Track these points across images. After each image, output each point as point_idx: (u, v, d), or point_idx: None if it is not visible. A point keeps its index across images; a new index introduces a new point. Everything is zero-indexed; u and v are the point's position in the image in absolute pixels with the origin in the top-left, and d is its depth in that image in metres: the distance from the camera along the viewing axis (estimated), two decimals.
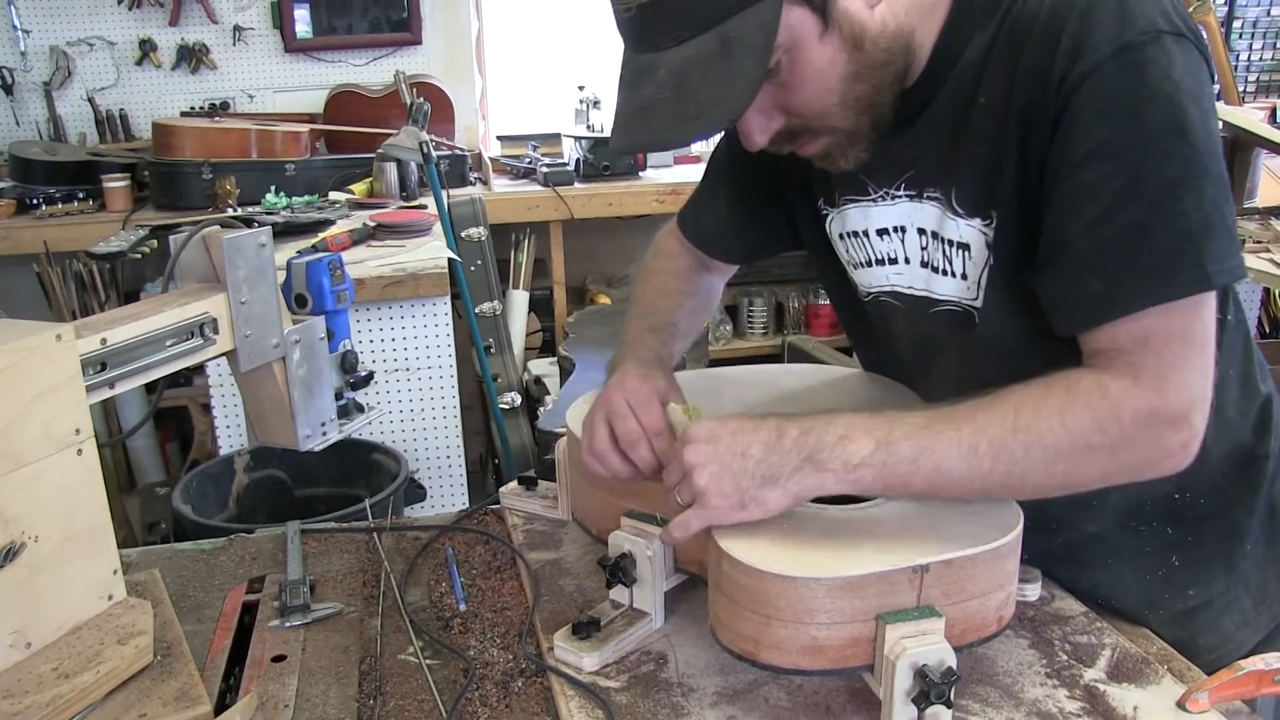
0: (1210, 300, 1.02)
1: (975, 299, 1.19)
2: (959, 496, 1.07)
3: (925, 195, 1.20)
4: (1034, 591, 1.25)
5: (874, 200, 1.25)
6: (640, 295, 1.53)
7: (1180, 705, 1.04)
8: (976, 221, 1.14)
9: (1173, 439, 1.03)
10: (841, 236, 1.32)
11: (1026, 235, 1.10)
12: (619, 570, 1.18)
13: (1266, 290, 4.27)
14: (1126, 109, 1.00)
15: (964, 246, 1.17)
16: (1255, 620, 1.27)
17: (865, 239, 1.29)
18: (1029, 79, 1.04)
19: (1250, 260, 2.99)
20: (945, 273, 1.21)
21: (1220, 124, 1.04)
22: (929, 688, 0.96)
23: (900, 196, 1.22)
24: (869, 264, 1.31)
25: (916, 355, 1.36)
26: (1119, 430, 1.02)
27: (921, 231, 1.22)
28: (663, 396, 1.28)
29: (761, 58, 1.01)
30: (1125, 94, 0.99)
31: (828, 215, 1.33)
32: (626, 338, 1.44)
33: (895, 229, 1.25)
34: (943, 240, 1.19)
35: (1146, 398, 1.01)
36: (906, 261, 1.26)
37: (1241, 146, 3.49)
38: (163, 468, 4.14)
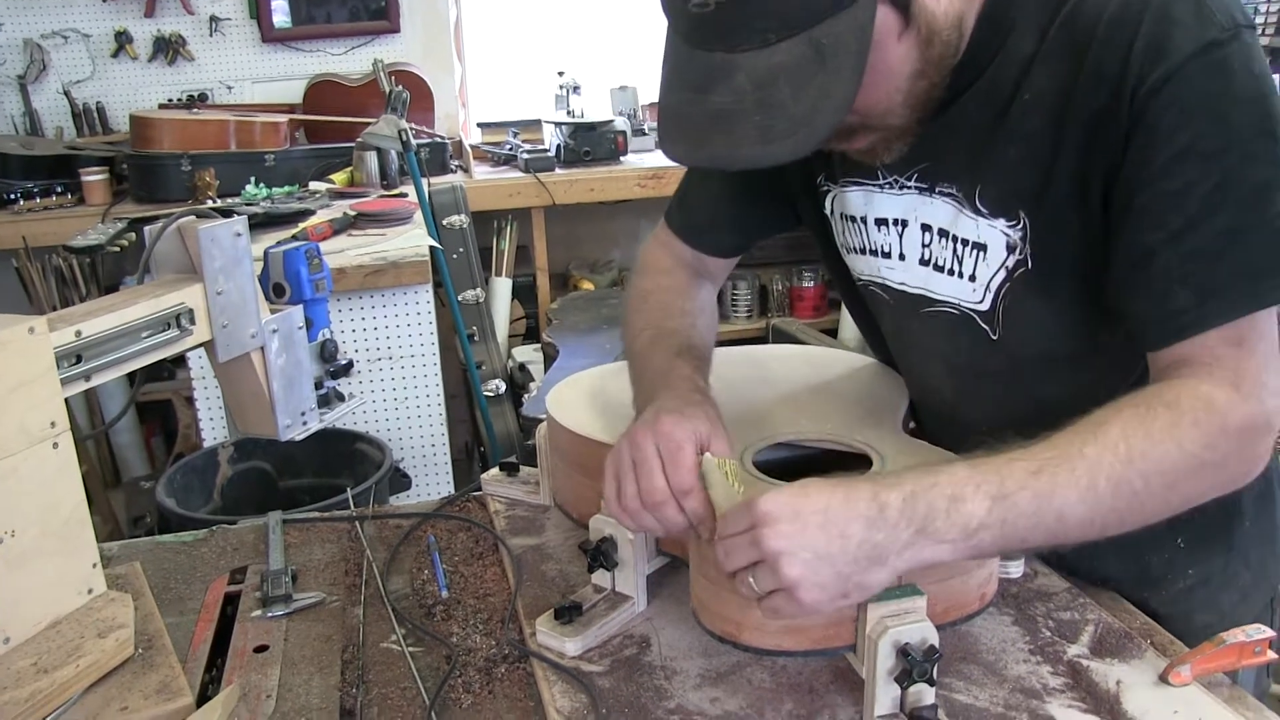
0: None
1: (980, 301, 1.16)
2: (1074, 543, 0.98)
3: (938, 190, 1.15)
4: (1017, 569, 1.25)
5: (880, 186, 1.21)
6: (647, 319, 1.37)
7: (1163, 679, 1.05)
8: (1000, 222, 1.10)
9: (1263, 446, 1.00)
10: (842, 217, 1.28)
11: (1073, 243, 1.06)
12: (600, 554, 1.18)
13: None
14: (1212, 111, 0.95)
15: (980, 247, 1.13)
16: (1253, 595, 1.27)
17: (862, 225, 1.25)
18: (1095, 82, 0.99)
19: None
20: (951, 272, 1.17)
21: None
22: (911, 666, 0.96)
23: (910, 187, 1.18)
24: (862, 251, 1.28)
25: (899, 347, 1.36)
26: (1226, 443, 0.97)
27: (926, 228, 1.18)
28: (701, 442, 1.10)
29: (858, 65, 0.93)
30: (1210, 95, 0.95)
31: (827, 191, 1.29)
32: (652, 365, 1.28)
33: (895, 221, 1.21)
34: (954, 239, 1.15)
35: (1249, 407, 0.97)
36: (902, 258, 1.23)
37: None
38: (147, 462, 4.13)
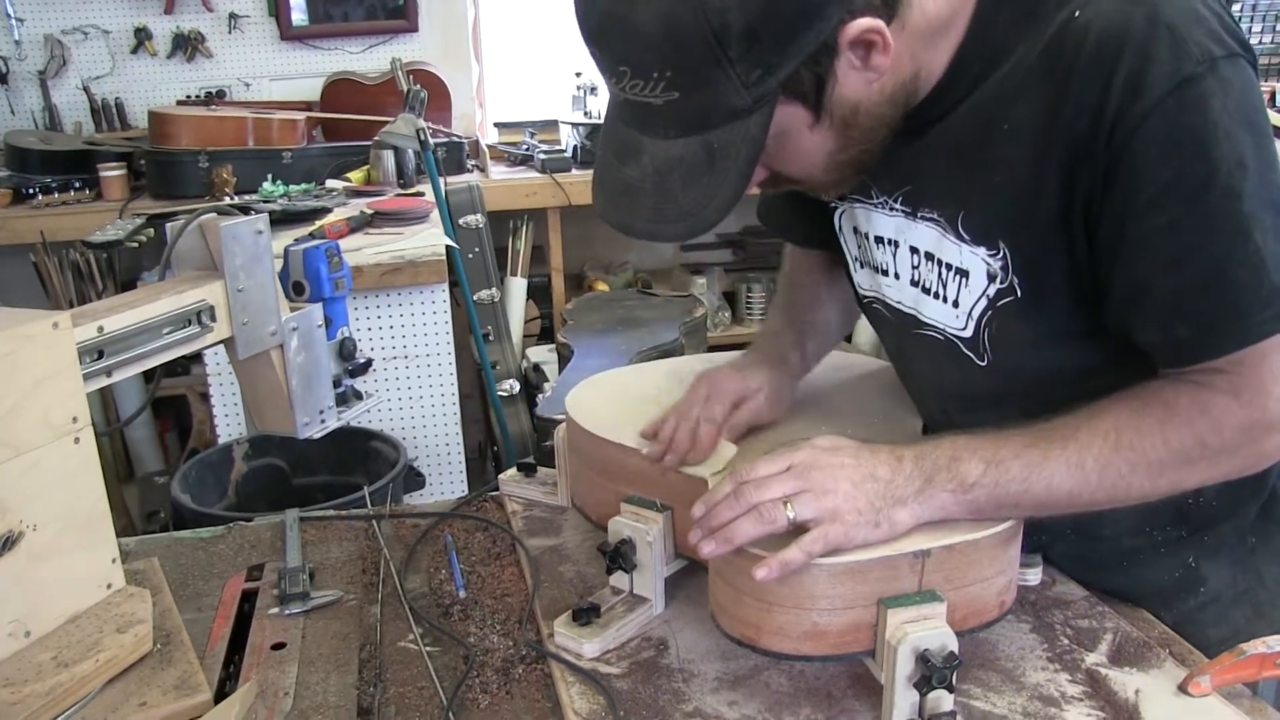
0: None
1: (963, 328, 1.17)
2: (1066, 512, 1.07)
3: (920, 215, 1.17)
4: (1035, 576, 1.25)
5: (874, 205, 1.22)
6: (780, 294, 1.54)
7: (1182, 689, 1.04)
8: (981, 250, 1.11)
9: (1271, 443, 1.04)
10: (854, 231, 1.29)
11: (1059, 273, 1.08)
12: (619, 556, 1.18)
13: None
14: (1191, 147, 0.97)
15: (963, 273, 1.14)
16: (1270, 611, 1.26)
17: (866, 241, 1.27)
18: (1076, 115, 1.00)
19: None
20: (937, 296, 1.19)
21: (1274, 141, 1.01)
22: (931, 672, 0.96)
23: (897, 209, 1.19)
24: (864, 266, 1.30)
25: (900, 366, 1.37)
26: (1220, 442, 1.03)
27: (914, 250, 1.20)
28: (739, 396, 1.31)
29: (744, 171, 1.01)
30: (1188, 132, 0.97)
31: (836, 208, 1.31)
32: (768, 325, 1.50)
33: (890, 241, 1.23)
34: (939, 263, 1.17)
35: (1248, 413, 1.02)
36: (897, 277, 1.24)
37: None
38: (161, 457, 4.14)
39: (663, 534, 1.18)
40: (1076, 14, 1.01)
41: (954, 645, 0.98)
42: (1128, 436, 1.03)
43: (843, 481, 1.04)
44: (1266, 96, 4.14)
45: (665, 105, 0.98)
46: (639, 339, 3.54)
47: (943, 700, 0.98)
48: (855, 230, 1.28)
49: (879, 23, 0.98)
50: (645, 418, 1.30)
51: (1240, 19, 5.18)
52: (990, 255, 1.11)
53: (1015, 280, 1.10)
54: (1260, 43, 5.24)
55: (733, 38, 0.93)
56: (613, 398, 1.43)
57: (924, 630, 0.98)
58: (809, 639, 1.02)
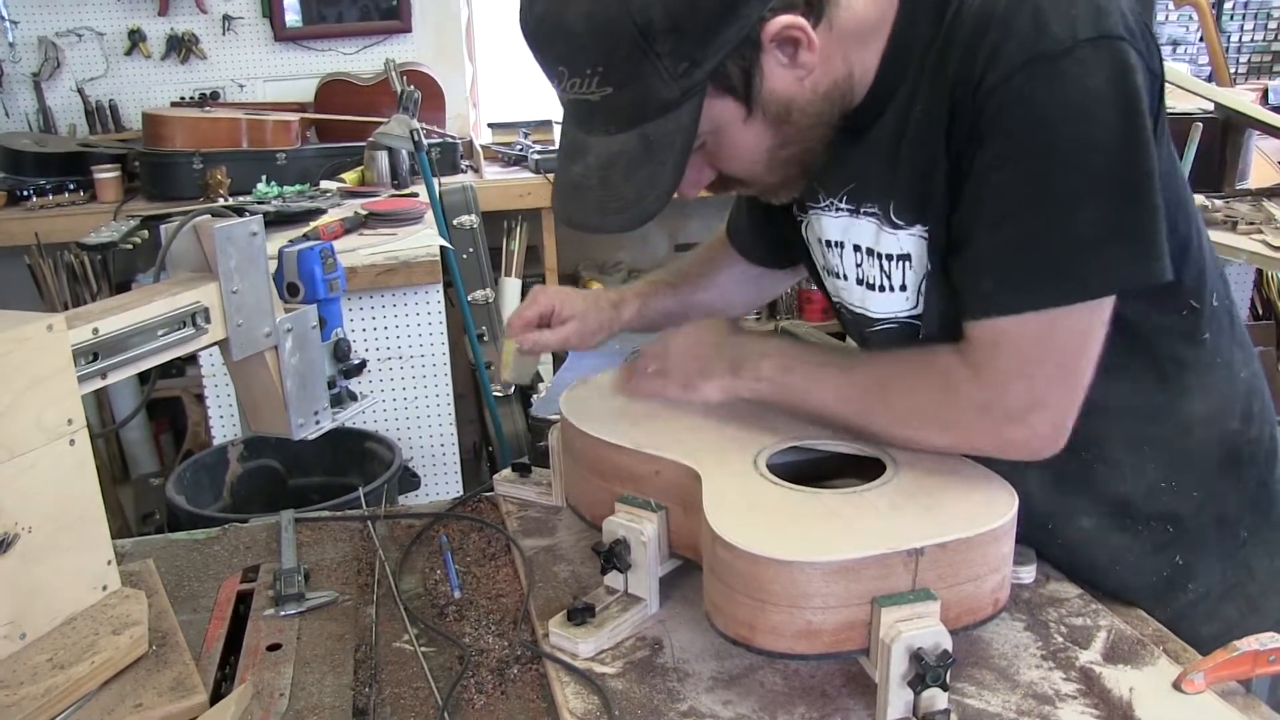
0: (1091, 310, 1.04)
1: (914, 307, 1.20)
2: (833, 426, 1.21)
3: (862, 210, 1.21)
4: (1029, 574, 1.25)
5: (822, 209, 1.27)
6: (675, 267, 1.66)
7: (1176, 686, 1.05)
8: (916, 229, 1.15)
9: (1012, 433, 1.09)
10: (818, 241, 1.33)
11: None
12: (613, 556, 1.18)
13: (1259, 272, 4.27)
14: (1032, 120, 1.01)
15: (904, 258, 1.18)
16: (1264, 604, 1.27)
17: (821, 247, 1.31)
18: (957, 86, 1.06)
19: (1242, 242, 2.99)
20: (882, 289, 1.22)
21: (1151, 129, 1.04)
22: (924, 671, 0.96)
23: (843, 209, 1.24)
24: (828, 273, 1.34)
25: None
26: (954, 414, 1.11)
27: (857, 248, 1.24)
28: (555, 310, 1.51)
29: (679, 160, 1.07)
30: (1031, 106, 1.01)
31: (801, 220, 1.35)
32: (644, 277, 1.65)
33: (837, 243, 1.27)
34: (879, 256, 1.21)
35: (982, 393, 1.08)
36: (846, 278, 1.28)
37: (1233, 128, 3.48)
38: (156, 458, 4.14)
39: (657, 533, 1.18)
40: None
41: (948, 643, 0.98)
42: (880, 382, 1.16)
43: (678, 349, 1.31)
44: (1258, 95, 4.15)
45: (601, 101, 1.05)
46: (633, 339, 3.54)
47: (937, 699, 0.99)
48: (818, 240, 1.32)
49: (800, 20, 1.04)
50: (639, 418, 1.30)
51: (1231, 16, 5.19)
52: (925, 232, 1.15)
53: (933, 254, 1.15)
54: (1251, 40, 5.25)
55: (657, 33, 0.99)
56: (607, 398, 1.43)
57: (918, 628, 0.98)
58: (803, 638, 1.02)
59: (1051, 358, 1.06)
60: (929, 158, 1.10)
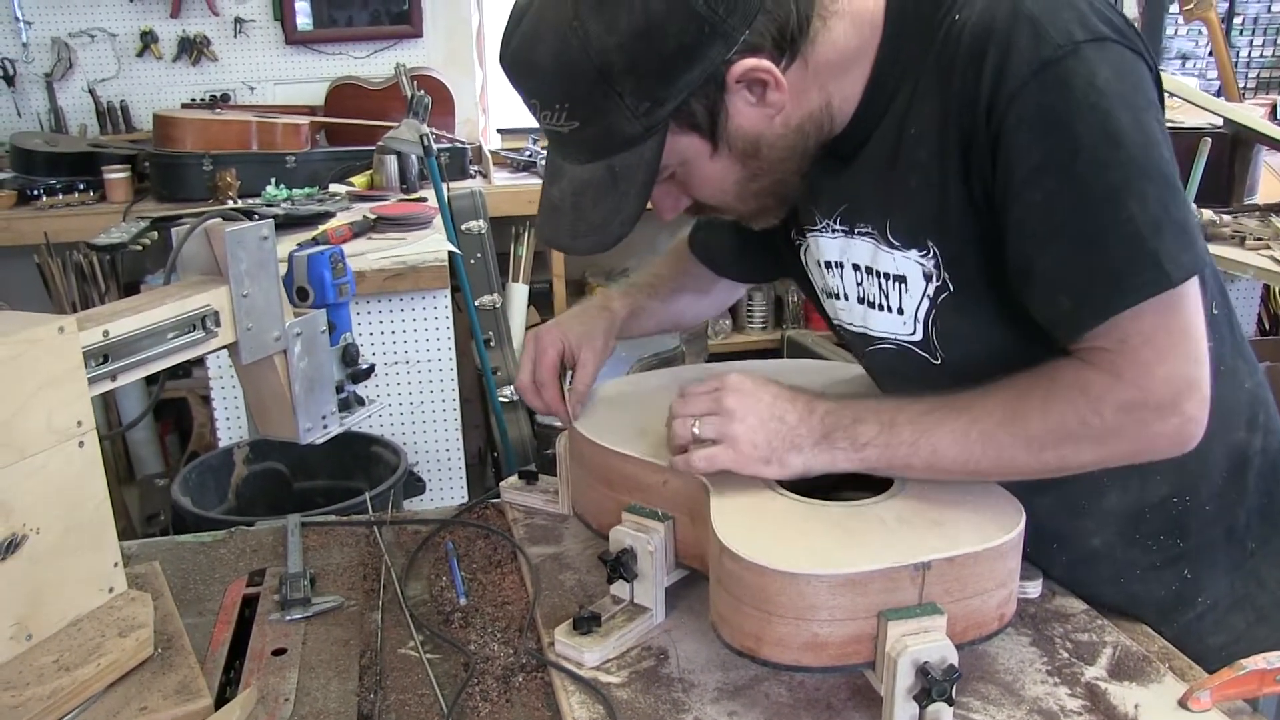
0: (1184, 293, 1.03)
1: (912, 333, 1.20)
2: (954, 478, 1.12)
3: (857, 231, 1.21)
4: (1035, 589, 1.25)
5: (820, 230, 1.27)
6: (644, 277, 1.64)
7: (1182, 704, 1.05)
8: (913, 253, 1.15)
9: (1163, 426, 1.05)
10: (817, 264, 1.32)
11: (981, 261, 1.11)
12: (620, 565, 1.18)
13: (1266, 287, 4.26)
14: (1056, 125, 1.01)
15: (900, 279, 1.18)
16: (1273, 615, 1.26)
17: (820, 269, 1.31)
18: (961, 109, 1.06)
19: (1250, 257, 2.99)
20: (882, 308, 1.22)
21: (1161, 122, 1.05)
22: (930, 685, 0.96)
23: (838, 230, 1.24)
24: (826, 295, 1.34)
25: (870, 376, 1.41)
26: (1101, 423, 1.04)
27: (856, 267, 1.24)
28: (571, 346, 1.44)
29: (642, 192, 1.10)
30: (1052, 111, 1.01)
31: (800, 244, 1.35)
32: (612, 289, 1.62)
33: (835, 263, 1.27)
34: (878, 274, 1.21)
35: (1129, 392, 1.04)
36: (846, 297, 1.28)
37: (1242, 143, 3.48)
38: (161, 459, 4.14)
39: (664, 543, 1.18)
40: (956, 17, 1.07)
41: (954, 658, 0.98)
42: (1011, 412, 1.07)
43: (751, 415, 1.13)
44: (1267, 110, 4.15)
45: (570, 134, 1.09)
46: (639, 347, 3.55)
47: (942, 713, 0.99)
48: (818, 263, 1.32)
49: (765, 63, 1.05)
50: (646, 426, 1.30)
51: (1240, 31, 5.19)
52: (922, 256, 1.15)
53: (946, 276, 1.14)
54: (1261, 55, 5.25)
55: (617, 74, 1.03)
56: (614, 406, 1.43)
57: (924, 643, 0.98)
58: (809, 650, 1.02)
59: (1176, 340, 1.04)
60: (927, 182, 1.11)
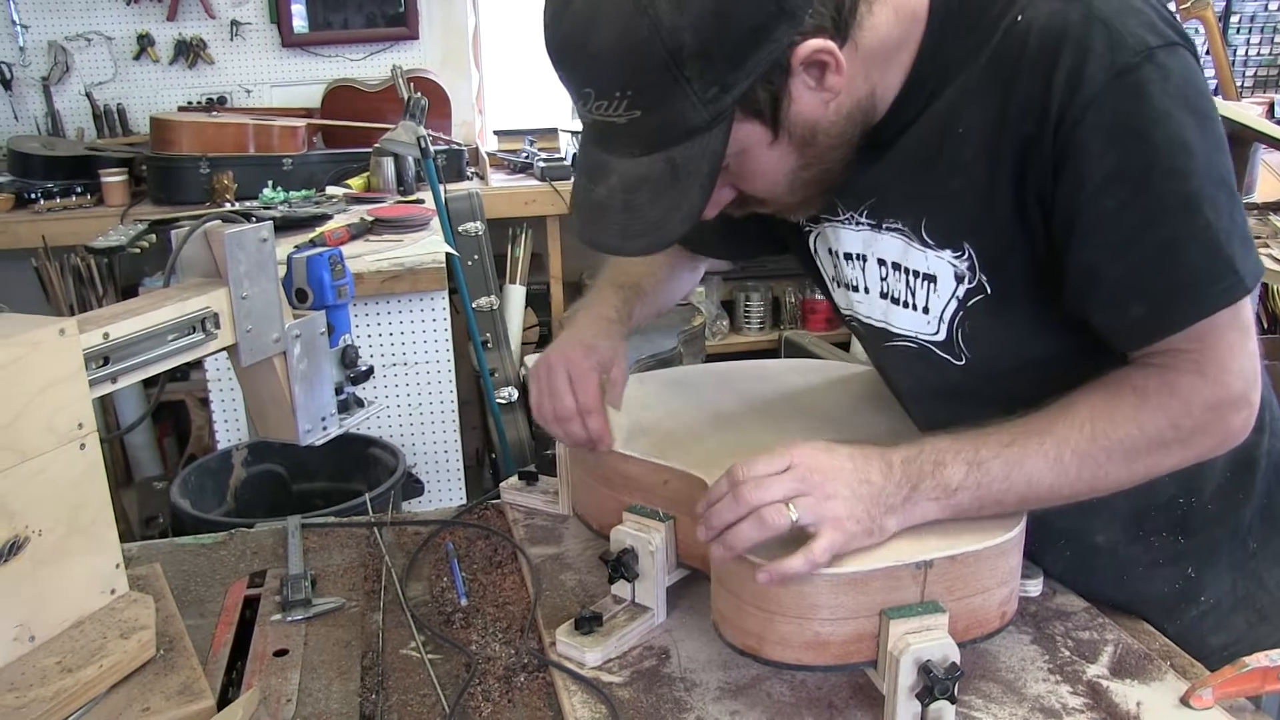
0: (1248, 296, 1.04)
1: (935, 333, 1.19)
2: (1043, 506, 1.09)
3: (885, 226, 1.19)
4: (1036, 587, 1.25)
5: (842, 221, 1.25)
6: (614, 260, 1.54)
7: (1184, 702, 1.05)
8: (947, 253, 1.14)
9: (1238, 419, 1.07)
10: (829, 252, 1.31)
11: (1024, 266, 1.10)
12: (621, 565, 1.18)
13: (1265, 286, 4.27)
14: (1133, 133, 0.99)
15: (930, 278, 1.16)
16: (1274, 615, 1.26)
17: (837, 259, 1.29)
18: (1023, 114, 1.03)
19: None
20: (907, 305, 1.21)
21: (1222, 127, 1.04)
22: (932, 683, 0.96)
23: (863, 224, 1.22)
24: (839, 285, 1.32)
25: (881, 372, 1.40)
26: (1191, 423, 1.05)
27: (881, 262, 1.22)
28: (604, 365, 1.36)
29: (706, 185, 1.04)
30: (1129, 118, 0.99)
31: (810, 231, 1.33)
32: (591, 292, 1.51)
33: (858, 256, 1.25)
34: (906, 271, 1.19)
35: (1214, 390, 1.04)
36: (866, 291, 1.26)
37: (1239, 142, 3.48)
38: (160, 462, 4.13)
39: (665, 543, 1.18)
40: (1019, 18, 1.04)
41: (956, 656, 0.98)
42: (1102, 425, 1.06)
43: (842, 486, 1.04)
44: (1265, 108, 4.15)
45: (629, 124, 1.01)
46: (637, 347, 3.55)
47: (944, 711, 0.99)
48: (829, 251, 1.30)
49: (830, 44, 1.01)
50: (646, 426, 1.30)
51: (1238, 29, 5.20)
52: (956, 257, 1.13)
53: (983, 278, 1.12)
54: (1258, 54, 5.26)
55: (687, 58, 0.97)
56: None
57: (926, 641, 0.98)
58: (811, 649, 1.02)
59: (1244, 337, 1.05)
60: (972, 183, 1.08)
